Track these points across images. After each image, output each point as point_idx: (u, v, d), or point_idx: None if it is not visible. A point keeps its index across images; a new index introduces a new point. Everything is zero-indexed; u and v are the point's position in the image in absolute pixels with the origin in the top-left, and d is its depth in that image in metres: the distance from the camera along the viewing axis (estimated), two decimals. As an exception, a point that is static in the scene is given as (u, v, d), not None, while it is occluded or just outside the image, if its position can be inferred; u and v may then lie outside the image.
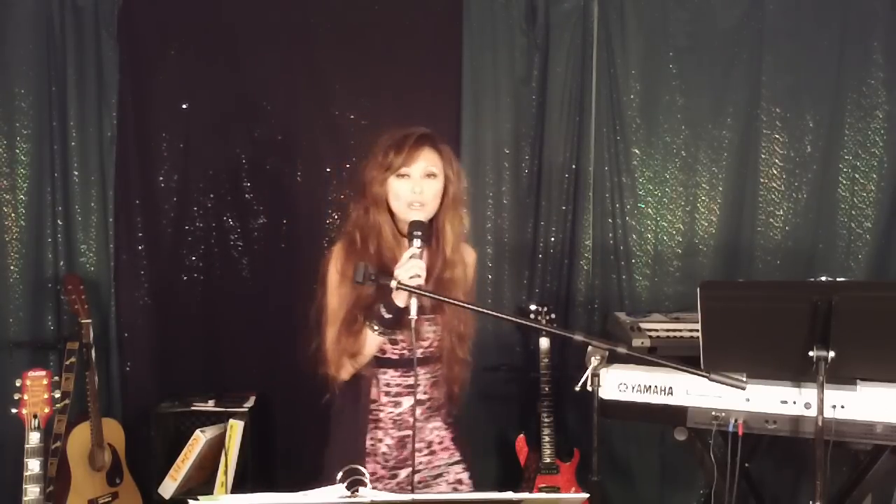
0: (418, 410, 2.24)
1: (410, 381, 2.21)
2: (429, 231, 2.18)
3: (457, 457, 2.34)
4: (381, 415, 2.24)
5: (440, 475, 2.31)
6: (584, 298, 3.63)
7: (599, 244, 3.63)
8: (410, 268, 2.02)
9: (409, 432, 2.20)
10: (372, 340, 2.15)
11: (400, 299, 2.05)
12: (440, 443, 2.32)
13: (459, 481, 2.32)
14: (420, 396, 2.24)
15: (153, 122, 3.61)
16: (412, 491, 2.17)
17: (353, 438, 2.23)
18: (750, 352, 2.48)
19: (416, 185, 2.13)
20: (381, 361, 2.23)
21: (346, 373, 2.19)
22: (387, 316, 2.09)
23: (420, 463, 2.26)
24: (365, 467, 2.16)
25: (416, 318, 2.02)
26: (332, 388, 2.21)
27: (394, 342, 2.20)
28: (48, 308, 3.56)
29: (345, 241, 2.23)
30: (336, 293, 2.20)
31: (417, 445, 2.23)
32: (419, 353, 2.18)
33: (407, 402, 2.23)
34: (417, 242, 2.06)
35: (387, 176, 2.15)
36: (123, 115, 3.58)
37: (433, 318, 2.22)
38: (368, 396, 2.24)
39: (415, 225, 2.09)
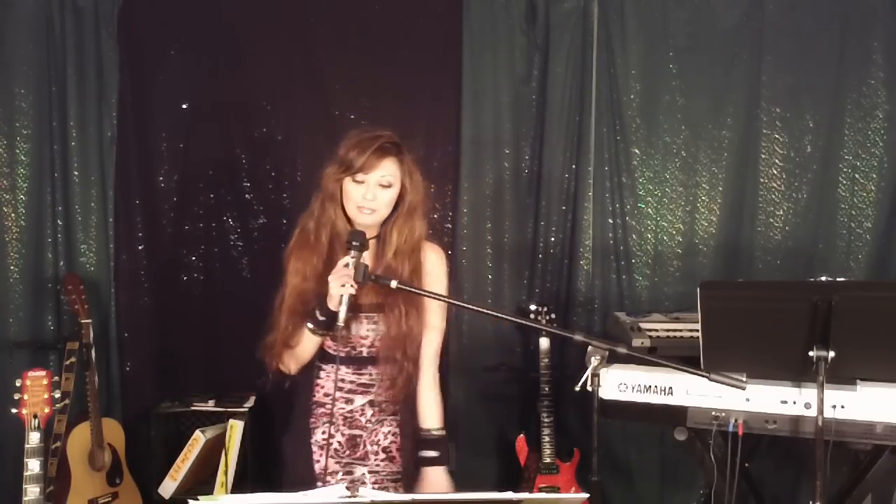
0: (370, 412, 2.24)
1: (364, 379, 2.22)
2: (374, 237, 2.20)
3: (395, 467, 2.27)
4: (334, 409, 2.23)
5: (398, 481, 2.26)
6: (584, 298, 3.63)
7: (599, 244, 3.63)
8: (341, 276, 2.03)
9: (360, 431, 2.22)
10: (308, 339, 2.16)
11: (332, 304, 2.05)
12: (399, 449, 2.27)
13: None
14: (373, 398, 2.24)
15: (153, 122, 3.61)
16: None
17: (302, 432, 2.25)
18: (750, 352, 2.47)
19: (368, 192, 2.12)
20: (328, 357, 2.24)
21: (283, 364, 2.21)
22: (320, 318, 2.11)
23: (378, 465, 2.25)
24: (318, 461, 2.19)
25: (342, 326, 2.02)
26: (267, 373, 2.23)
27: (335, 338, 2.19)
28: (48, 308, 3.56)
29: (300, 231, 2.24)
30: (288, 283, 2.21)
31: (373, 448, 2.24)
32: (364, 352, 2.22)
33: (359, 400, 2.23)
34: (353, 252, 2.05)
35: (343, 176, 2.13)
36: (123, 115, 3.59)
37: (373, 317, 2.20)
38: (311, 394, 2.25)
39: (352, 234, 2.08)
